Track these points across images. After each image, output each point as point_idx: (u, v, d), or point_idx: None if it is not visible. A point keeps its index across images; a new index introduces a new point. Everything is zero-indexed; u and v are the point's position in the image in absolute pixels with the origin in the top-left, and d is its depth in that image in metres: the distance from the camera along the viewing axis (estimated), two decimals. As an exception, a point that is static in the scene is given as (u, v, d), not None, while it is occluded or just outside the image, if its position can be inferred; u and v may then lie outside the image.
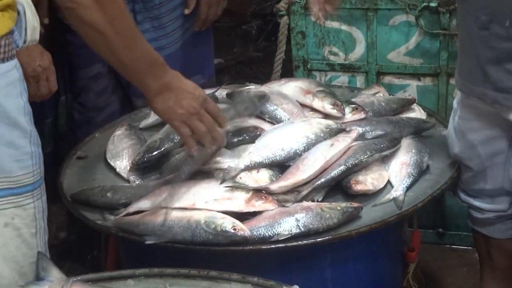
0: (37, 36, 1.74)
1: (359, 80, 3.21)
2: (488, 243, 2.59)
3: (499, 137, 2.35)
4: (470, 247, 3.16)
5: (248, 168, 2.19)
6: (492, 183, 2.43)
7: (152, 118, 2.63)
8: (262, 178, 2.19)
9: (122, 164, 2.43)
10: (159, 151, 2.38)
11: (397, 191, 2.20)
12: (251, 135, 2.34)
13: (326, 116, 2.43)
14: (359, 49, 3.16)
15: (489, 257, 2.63)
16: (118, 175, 2.41)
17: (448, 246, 3.33)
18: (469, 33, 2.21)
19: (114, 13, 1.83)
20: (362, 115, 2.44)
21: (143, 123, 2.66)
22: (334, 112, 2.42)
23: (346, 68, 3.21)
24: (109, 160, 2.47)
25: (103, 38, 1.84)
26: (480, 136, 2.36)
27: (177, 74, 2.05)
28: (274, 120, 2.41)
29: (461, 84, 2.32)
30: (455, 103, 2.44)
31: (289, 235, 2.00)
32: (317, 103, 2.47)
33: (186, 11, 2.97)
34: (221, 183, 2.11)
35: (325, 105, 2.45)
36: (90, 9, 1.78)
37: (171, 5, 2.95)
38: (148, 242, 2.02)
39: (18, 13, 1.73)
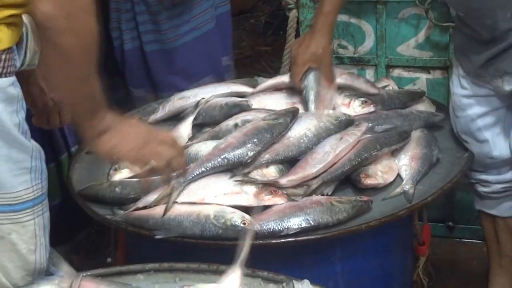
0: (36, 61, 1.72)
1: (369, 74, 3.19)
2: (495, 225, 2.65)
3: (496, 108, 2.42)
4: (480, 241, 3.15)
5: (262, 165, 2.17)
6: (496, 153, 2.48)
7: (161, 112, 2.62)
8: (271, 172, 2.18)
9: None
10: None
11: (407, 185, 2.19)
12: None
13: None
14: (369, 42, 3.15)
15: (497, 242, 2.67)
16: (126, 169, 2.41)
17: (458, 239, 3.33)
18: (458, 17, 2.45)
19: (87, 39, 1.63)
20: (371, 108, 2.44)
21: (152, 118, 2.65)
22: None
23: (356, 61, 3.19)
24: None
25: (66, 63, 1.63)
26: (478, 110, 2.43)
27: (117, 117, 1.85)
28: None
29: (462, 62, 2.45)
30: (450, 83, 2.52)
31: (299, 229, 1.99)
32: (327, 97, 2.46)
33: None
34: (230, 177, 2.11)
35: (335, 98, 2.45)
36: (64, 33, 1.57)
37: None
38: (157, 236, 2.02)
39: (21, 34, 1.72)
